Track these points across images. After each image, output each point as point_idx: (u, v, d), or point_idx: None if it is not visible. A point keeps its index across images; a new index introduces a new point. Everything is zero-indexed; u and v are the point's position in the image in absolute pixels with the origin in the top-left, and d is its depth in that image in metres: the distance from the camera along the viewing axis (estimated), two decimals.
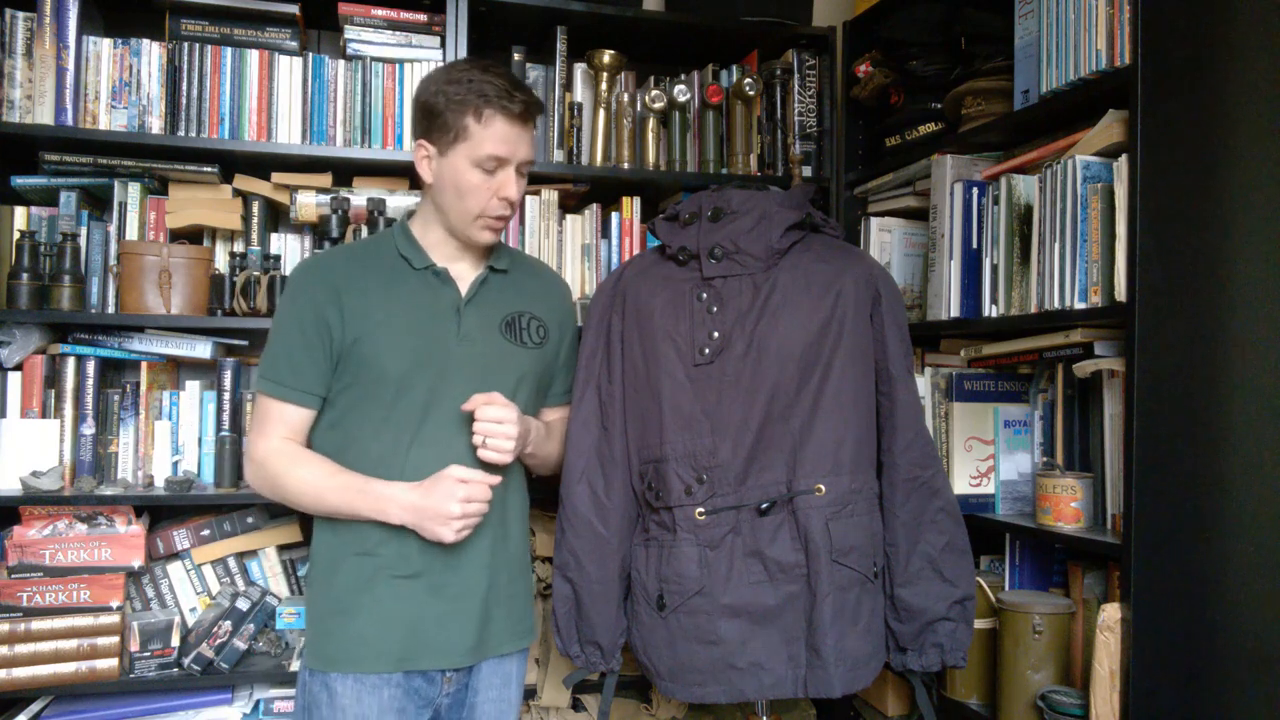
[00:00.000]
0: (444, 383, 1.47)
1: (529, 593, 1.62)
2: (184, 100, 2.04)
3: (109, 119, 2.01)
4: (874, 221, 2.25)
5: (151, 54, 2.03)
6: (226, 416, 2.06)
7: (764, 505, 1.55)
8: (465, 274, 1.53)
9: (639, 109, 2.32)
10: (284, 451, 1.46)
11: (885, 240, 2.24)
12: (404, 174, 2.22)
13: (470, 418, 1.46)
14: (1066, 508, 1.68)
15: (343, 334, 1.45)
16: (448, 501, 1.39)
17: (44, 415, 2.01)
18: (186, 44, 2.04)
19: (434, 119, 1.43)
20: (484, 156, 1.42)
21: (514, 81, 1.44)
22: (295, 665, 1.96)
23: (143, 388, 2.08)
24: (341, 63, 2.12)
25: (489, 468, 1.49)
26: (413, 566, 1.45)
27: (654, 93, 2.27)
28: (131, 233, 2.08)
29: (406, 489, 1.42)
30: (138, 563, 1.96)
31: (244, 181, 2.13)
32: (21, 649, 1.86)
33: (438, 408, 1.46)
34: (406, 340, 1.45)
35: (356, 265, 1.50)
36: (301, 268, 1.51)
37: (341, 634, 1.45)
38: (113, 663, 1.91)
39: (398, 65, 2.13)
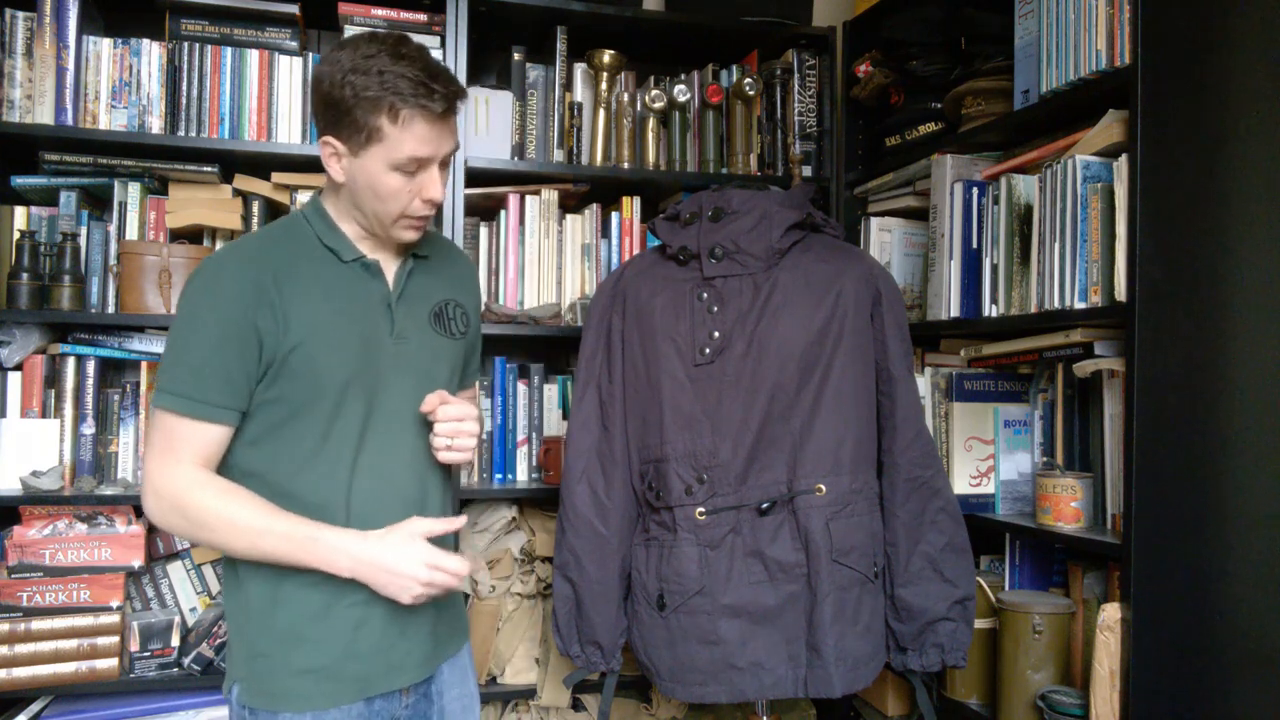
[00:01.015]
0: (383, 386, 1.33)
1: (460, 592, 1.53)
2: (184, 100, 2.04)
3: (109, 119, 2.01)
4: (874, 221, 2.25)
5: (151, 54, 2.03)
6: None
7: (764, 505, 1.55)
8: (389, 264, 1.38)
9: (639, 109, 2.32)
10: (205, 484, 1.25)
11: (885, 240, 2.24)
12: None
13: (419, 419, 1.36)
14: (1066, 508, 1.68)
15: (278, 340, 1.26)
16: (416, 567, 1.24)
17: (44, 415, 2.01)
18: (186, 44, 2.04)
19: (341, 115, 1.24)
20: (404, 160, 1.26)
21: (430, 69, 1.25)
22: None
23: (143, 387, 2.08)
24: None
25: (441, 491, 1.42)
26: (363, 588, 1.30)
27: (654, 93, 2.27)
28: (131, 233, 2.08)
29: (365, 543, 1.25)
30: (138, 562, 1.96)
31: (244, 181, 2.13)
32: (21, 649, 1.86)
33: (380, 412, 1.33)
34: (347, 342, 1.30)
35: (282, 258, 1.30)
36: (218, 262, 1.29)
37: (290, 669, 1.29)
38: (113, 662, 1.91)
39: None
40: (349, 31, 2.11)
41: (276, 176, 2.12)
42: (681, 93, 2.29)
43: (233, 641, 1.35)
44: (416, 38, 2.10)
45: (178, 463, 1.25)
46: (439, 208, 1.36)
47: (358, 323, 1.32)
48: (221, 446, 1.28)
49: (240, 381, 1.26)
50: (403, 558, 1.25)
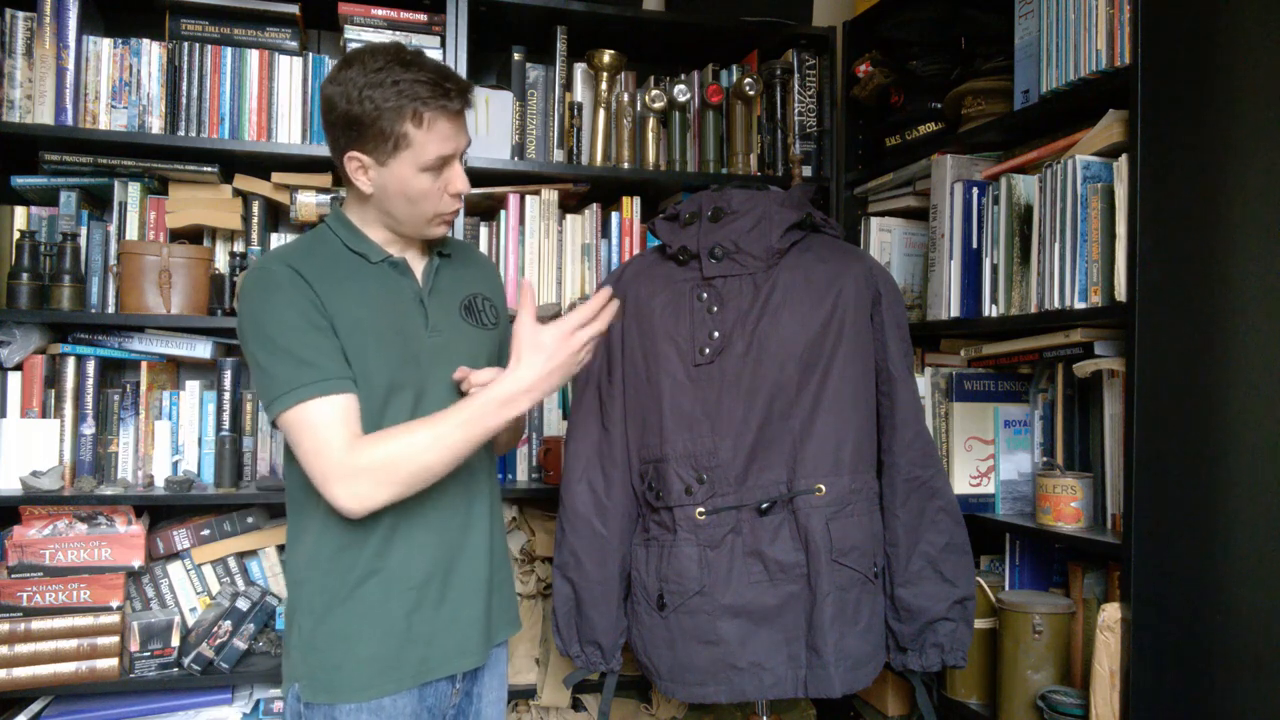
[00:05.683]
0: (425, 379, 1.38)
1: (513, 579, 1.57)
2: (184, 100, 2.04)
3: (109, 119, 2.01)
4: (874, 221, 2.25)
5: (151, 54, 2.03)
6: (226, 416, 2.06)
7: (764, 505, 1.55)
8: (416, 262, 1.44)
9: (639, 109, 2.32)
10: (367, 441, 1.27)
11: (885, 240, 2.24)
12: None
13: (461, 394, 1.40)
14: (1066, 507, 1.68)
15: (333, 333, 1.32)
16: (559, 349, 1.31)
17: (44, 415, 2.01)
18: (186, 44, 2.04)
19: (365, 129, 1.29)
20: (431, 160, 1.31)
21: (439, 71, 1.31)
22: None
23: (143, 388, 2.08)
24: None
25: (489, 477, 1.47)
26: (420, 573, 1.36)
27: (654, 93, 2.27)
28: (131, 233, 2.08)
29: (518, 371, 1.30)
30: (138, 562, 1.96)
31: (244, 181, 2.13)
32: (21, 649, 1.86)
33: (425, 405, 1.37)
34: (387, 339, 1.35)
35: (317, 262, 1.35)
36: (264, 268, 1.33)
37: (351, 660, 1.33)
38: (113, 663, 1.91)
39: None
40: (349, 31, 2.12)
41: (276, 176, 2.12)
42: (681, 93, 2.29)
43: (291, 643, 1.37)
44: (416, 38, 2.14)
45: (336, 443, 1.26)
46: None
47: (394, 318, 1.37)
48: (358, 416, 1.30)
49: (338, 353, 1.30)
50: (545, 353, 1.31)
